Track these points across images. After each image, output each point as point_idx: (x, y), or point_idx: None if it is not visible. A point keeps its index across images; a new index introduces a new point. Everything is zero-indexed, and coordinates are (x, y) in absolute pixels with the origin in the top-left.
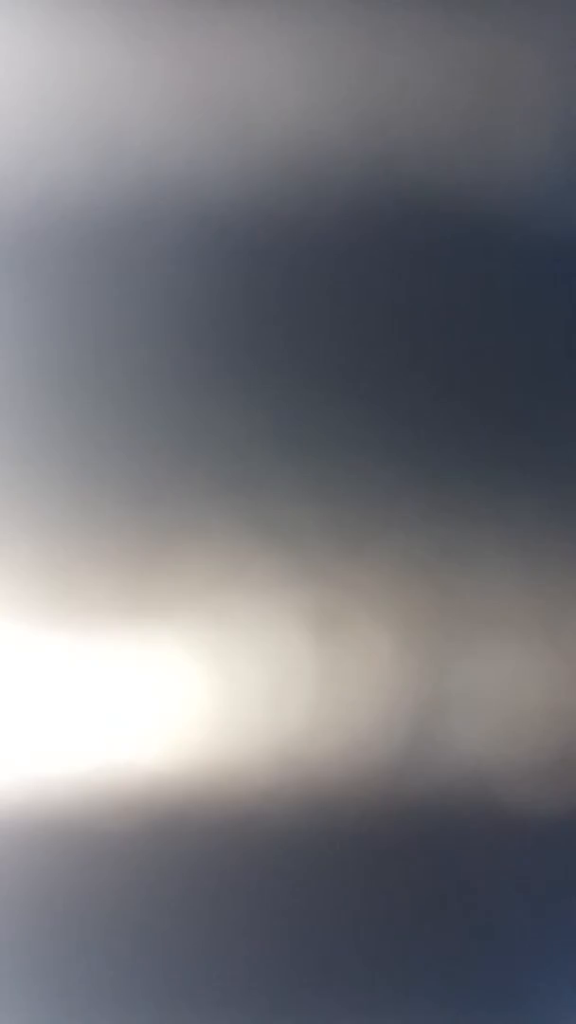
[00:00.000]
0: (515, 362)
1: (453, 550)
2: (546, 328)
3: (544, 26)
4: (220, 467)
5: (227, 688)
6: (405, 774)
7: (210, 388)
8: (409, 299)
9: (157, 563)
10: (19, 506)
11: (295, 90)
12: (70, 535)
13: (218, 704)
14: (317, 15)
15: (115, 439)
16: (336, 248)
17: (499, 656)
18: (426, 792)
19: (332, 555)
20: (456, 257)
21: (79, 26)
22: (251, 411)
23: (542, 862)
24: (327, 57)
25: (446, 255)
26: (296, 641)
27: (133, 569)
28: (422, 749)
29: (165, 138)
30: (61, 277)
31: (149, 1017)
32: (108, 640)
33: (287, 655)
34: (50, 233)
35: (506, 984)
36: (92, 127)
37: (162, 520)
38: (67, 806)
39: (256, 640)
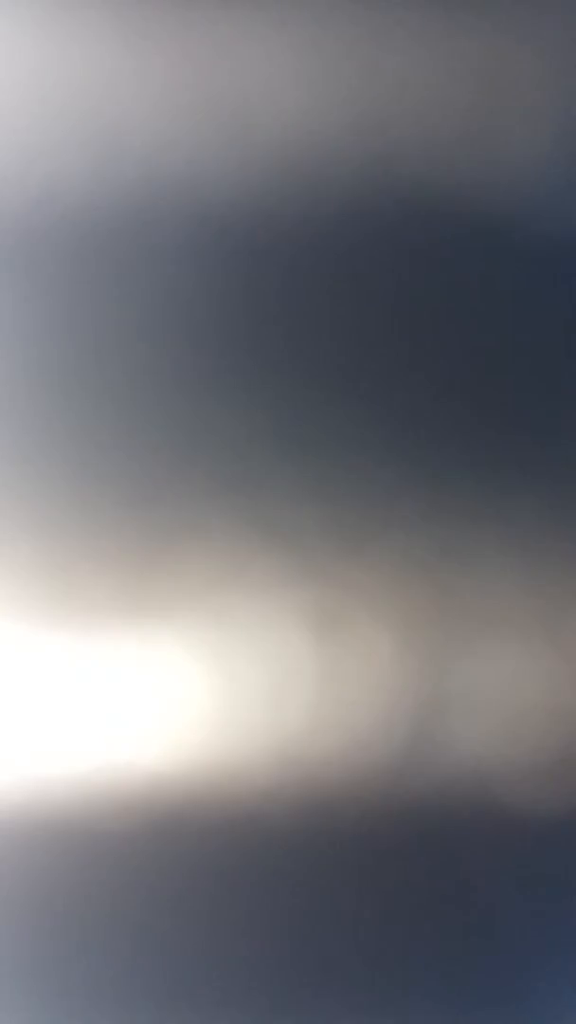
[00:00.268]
0: (515, 362)
1: (453, 550)
2: (546, 328)
3: (544, 26)
4: (220, 467)
5: (227, 688)
6: (405, 774)
7: (210, 388)
8: (409, 299)
9: (157, 563)
10: (19, 506)
11: (295, 90)
12: (70, 535)
13: (218, 704)
14: (317, 15)
15: (115, 439)
16: (336, 248)
17: (499, 656)
18: (426, 792)
19: (332, 555)
20: (456, 257)
21: (79, 26)
22: (251, 411)
23: (542, 862)
24: (327, 57)
25: (446, 255)
26: (296, 641)
27: (133, 569)
28: (422, 749)
29: (165, 138)
30: (61, 277)
31: (149, 1017)
32: (108, 640)
33: (287, 655)
34: (50, 233)
35: (506, 984)
36: (92, 127)
37: (162, 520)
38: (67, 806)
39: (256, 640)
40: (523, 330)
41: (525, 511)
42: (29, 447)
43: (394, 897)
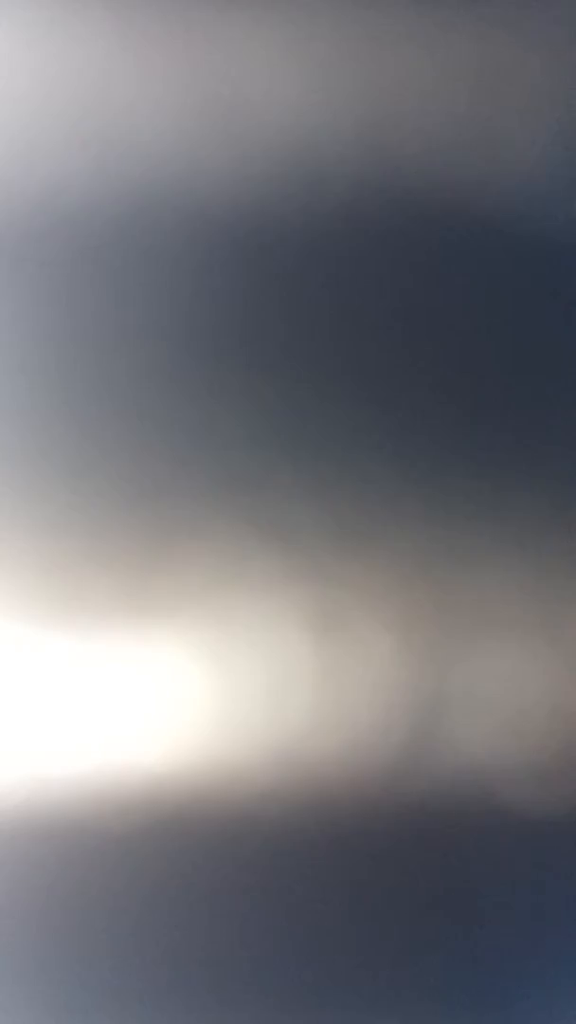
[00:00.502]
0: (515, 362)
1: (453, 550)
2: (546, 328)
3: (544, 26)
4: (220, 467)
5: (227, 688)
6: (405, 774)
7: (210, 388)
8: (409, 299)
9: (157, 563)
10: (19, 506)
11: (295, 90)
12: (70, 535)
13: (218, 704)
14: (317, 15)
15: (115, 439)
16: (336, 248)
17: (499, 656)
18: (426, 792)
19: (332, 555)
20: (456, 257)
21: (79, 26)
22: (251, 411)
23: (542, 862)
24: (327, 57)
25: (446, 255)
26: (296, 641)
27: (133, 569)
28: (422, 749)
29: (165, 138)
30: (61, 277)
31: (149, 1017)
32: (108, 640)
33: (287, 655)
34: (50, 233)
35: (506, 984)
36: (92, 127)
37: (162, 520)
38: (67, 806)
39: (256, 640)
40: (523, 330)
41: (525, 511)
42: (29, 447)
43: (394, 897)
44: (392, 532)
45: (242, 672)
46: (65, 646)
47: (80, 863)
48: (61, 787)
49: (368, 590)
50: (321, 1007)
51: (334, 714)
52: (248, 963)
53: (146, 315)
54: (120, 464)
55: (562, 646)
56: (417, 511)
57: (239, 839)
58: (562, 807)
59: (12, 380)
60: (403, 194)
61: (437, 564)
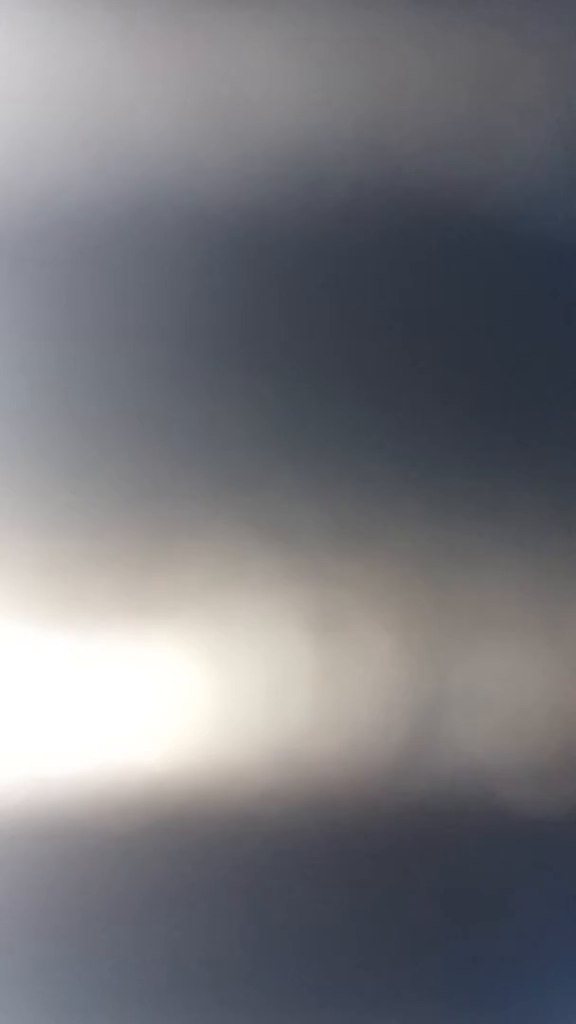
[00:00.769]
0: (515, 362)
1: (453, 550)
2: (546, 328)
3: (544, 26)
4: (220, 467)
5: (227, 688)
6: (405, 774)
7: (210, 388)
8: (409, 299)
9: (157, 563)
10: (19, 506)
11: (295, 90)
12: (70, 535)
13: (218, 704)
14: (317, 15)
15: (115, 439)
16: (336, 248)
17: (499, 656)
18: (426, 792)
19: (332, 555)
20: (456, 257)
21: (79, 26)
22: (251, 411)
23: (542, 862)
24: (327, 57)
25: (446, 255)
26: (296, 641)
27: (133, 569)
28: (422, 749)
29: (165, 138)
30: (61, 277)
31: (149, 1017)
32: (108, 640)
33: (287, 655)
34: (50, 233)
35: (506, 984)
36: (92, 127)
37: (162, 520)
38: (67, 806)
39: (256, 640)
40: (523, 330)
41: (525, 511)
42: (29, 447)
43: (394, 897)
44: (392, 532)
45: (242, 672)
46: (65, 646)
47: (80, 863)
48: (61, 787)
49: (368, 590)
50: (321, 1007)
51: (334, 714)
52: (248, 963)
53: (146, 315)
54: (120, 464)
55: (562, 646)
56: (417, 511)
57: (239, 839)
58: (562, 807)
59: (12, 380)
60: (403, 194)
61: (437, 564)
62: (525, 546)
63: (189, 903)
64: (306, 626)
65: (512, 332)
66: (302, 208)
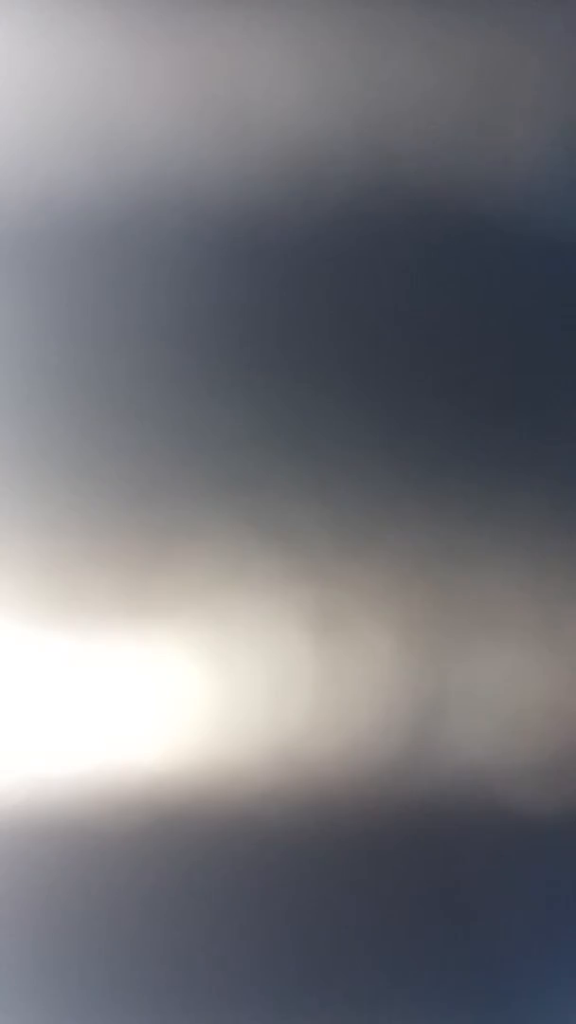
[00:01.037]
0: (515, 362)
1: (453, 550)
2: (546, 328)
3: (544, 26)
4: (220, 467)
5: (227, 688)
6: (405, 774)
7: (210, 388)
8: (409, 299)
9: (157, 563)
10: (19, 506)
11: (295, 90)
12: (70, 535)
13: (218, 704)
14: (317, 15)
15: (115, 439)
16: (336, 248)
17: (499, 656)
18: (426, 792)
19: (332, 555)
20: (456, 257)
21: (79, 26)
22: (251, 411)
23: (542, 862)
24: (327, 57)
25: (446, 255)
26: (296, 641)
27: (133, 569)
28: (422, 749)
29: (165, 138)
30: (61, 277)
31: (149, 1017)
32: (108, 640)
33: (287, 655)
34: (50, 233)
35: (506, 984)
36: (92, 127)
37: (162, 520)
38: (67, 806)
39: (256, 640)
40: (523, 330)
41: (525, 511)
42: (29, 447)
43: (394, 897)
44: (392, 532)
45: (242, 672)
46: (65, 646)
47: (80, 863)
48: (61, 787)
49: (368, 590)
50: (321, 1007)
51: (334, 714)
52: (248, 963)
53: (146, 315)
54: (120, 464)
55: (562, 646)
56: (417, 511)
57: (239, 839)
58: (562, 807)
59: (12, 380)
60: (403, 194)
61: (437, 564)
62: (525, 546)
63: (189, 903)
64: (306, 626)
65: (512, 332)
66: (302, 208)
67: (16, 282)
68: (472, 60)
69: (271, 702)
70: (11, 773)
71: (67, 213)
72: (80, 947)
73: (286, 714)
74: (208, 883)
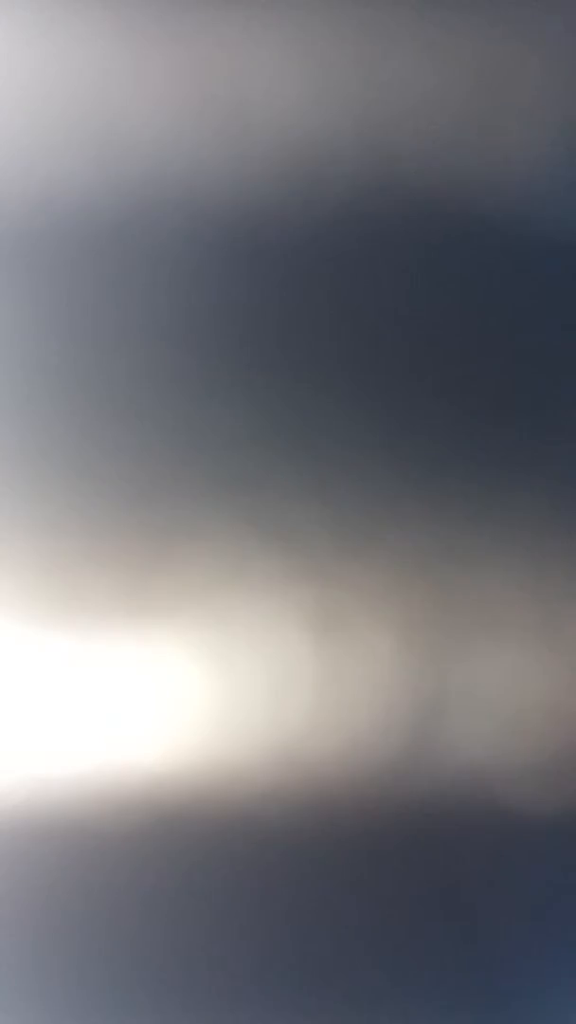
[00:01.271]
0: (515, 361)
1: (453, 550)
2: (546, 328)
3: (544, 26)
4: (220, 467)
5: (227, 688)
6: (405, 774)
7: (210, 388)
8: (409, 299)
9: (157, 563)
10: (19, 506)
11: (295, 90)
12: (70, 535)
13: (218, 704)
14: (317, 16)
15: (115, 439)
16: (336, 248)
17: (499, 656)
18: (426, 792)
19: (332, 555)
20: (456, 257)
21: (79, 26)
22: (251, 411)
23: (542, 862)
24: (327, 57)
25: (446, 255)
26: (296, 641)
27: (133, 569)
28: (422, 749)
29: (165, 138)
30: (61, 277)
31: (149, 1017)
32: (108, 640)
33: (287, 655)
34: (50, 233)
35: (506, 984)
36: (92, 127)
37: (162, 520)
38: (67, 806)
39: (256, 640)
40: (523, 330)
41: (525, 511)
42: (29, 447)
43: (394, 897)
44: (392, 532)
45: (242, 672)
46: (65, 646)
47: (80, 863)
48: (61, 787)
49: (368, 590)
50: (321, 1007)
51: (334, 714)
52: (248, 963)
53: (146, 315)
54: (120, 464)
55: (562, 646)
56: (417, 511)
57: (239, 839)
58: (562, 807)
59: (12, 380)
60: (403, 194)
61: (437, 564)
62: (525, 546)
63: (189, 903)
64: (306, 626)
65: (512, 332)
66: (302, 208)
67: (16, 282)
68: (472, 60)
69: (271, 702)
70: (11, 773)
71: (67, 213)
72: (80, 947)
73: (286, 714)
74: (208, 883)
